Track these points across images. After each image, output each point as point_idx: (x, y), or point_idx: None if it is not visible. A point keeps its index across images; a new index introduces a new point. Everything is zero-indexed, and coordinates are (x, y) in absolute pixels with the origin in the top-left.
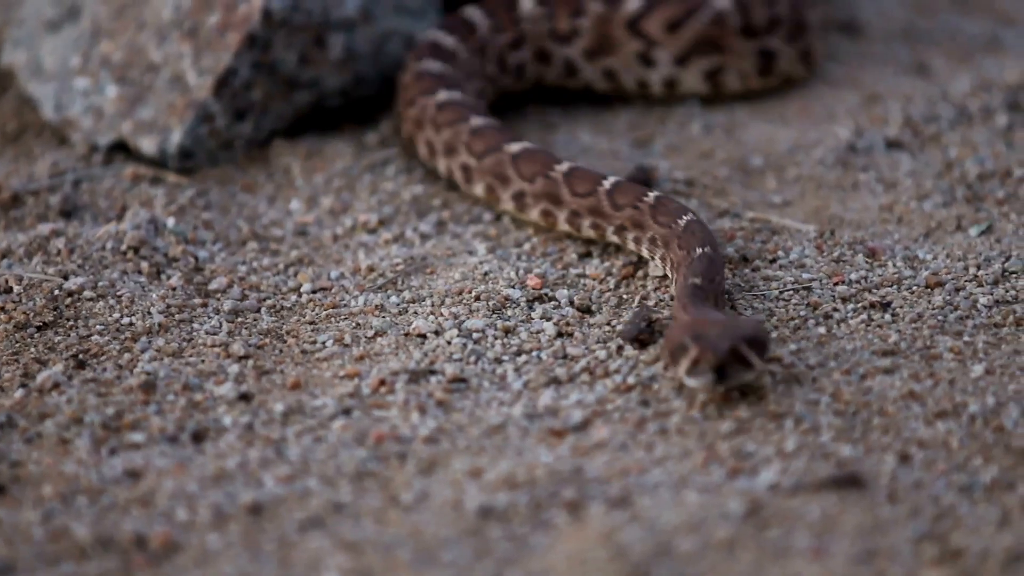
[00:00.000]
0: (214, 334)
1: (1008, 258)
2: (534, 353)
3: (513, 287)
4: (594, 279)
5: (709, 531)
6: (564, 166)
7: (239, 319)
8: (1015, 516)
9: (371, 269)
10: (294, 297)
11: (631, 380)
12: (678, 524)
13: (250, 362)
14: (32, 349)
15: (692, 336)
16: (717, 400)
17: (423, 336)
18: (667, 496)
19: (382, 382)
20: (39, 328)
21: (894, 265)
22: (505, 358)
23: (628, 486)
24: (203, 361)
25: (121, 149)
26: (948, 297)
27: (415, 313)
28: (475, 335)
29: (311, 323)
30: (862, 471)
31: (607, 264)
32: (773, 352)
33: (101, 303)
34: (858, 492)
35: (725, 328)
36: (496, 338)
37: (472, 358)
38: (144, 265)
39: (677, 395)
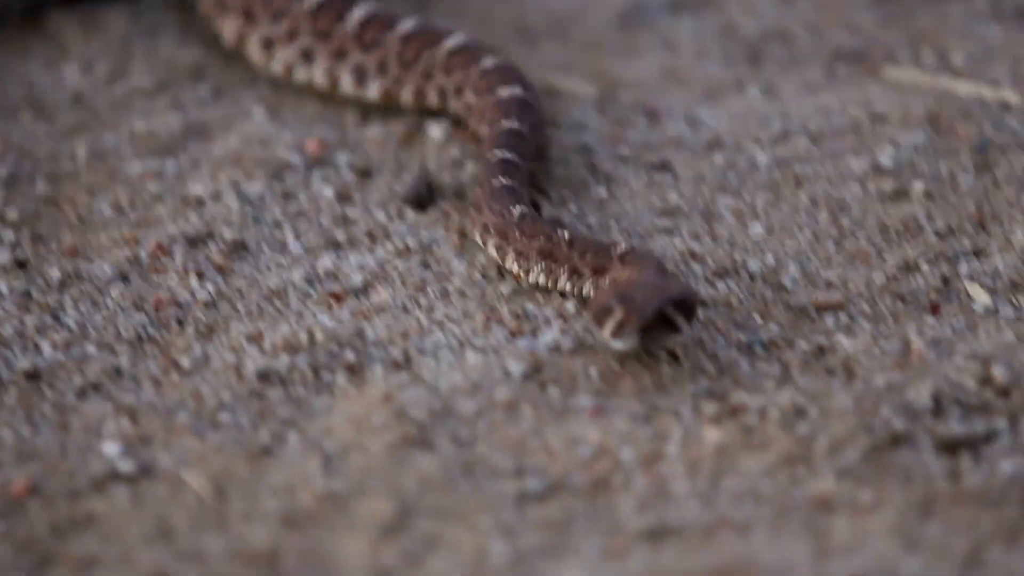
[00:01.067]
0: None
1: (788, 118)
2: (314, 217)
3: (292, 151)
4: (374, 143)
5: (490, 392)
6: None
7: (14, 187)
8: (794, 373)
9: (148, 135)
10: (70, 164)
11: (411, 243)
12: (459, 385)
13: (26, 229)
14: None
15: (618, 297)
16: (495, 266)
17: (201, 201)
18: (448, 358)
19: (160, 247)
20: None
21: (675, 126)
22: (284, 222)
23: (409, 348)
24: None
25: None
26: (728, 157)
27: (193, 179)
28: (254, 200)
29: (88, 189)
30: None
31: (387, 128)
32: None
33: None
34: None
35: (653, 290)
36: (275, 202)
37: (251, 222)
38: None
39: (458, 257)
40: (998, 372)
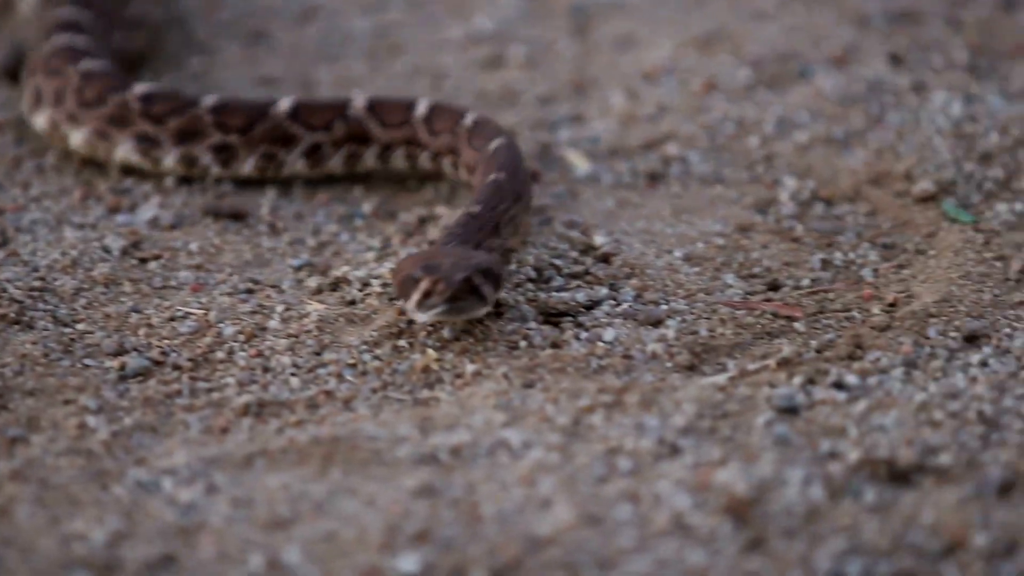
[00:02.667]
0: None
1: None
2: None
3: None
4: None
5: (89, 269)
6: None
7: None
8: (395, 245)
9: None
10: None
11: (4, 117)
12: (57, 262)
13: None
14: None
15: (423, 267)
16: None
17: None
18: (45, 234)
19: None
20: None
21: None
22: None
23: (6, 226)
24: None
25: None
26: (326, 25)
27: None
28: None
29: None
30: (243, 205)
31: None
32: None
33: None
34: (240, 224)
35: (458, 259)
36: None
37: None
38: None
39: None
40: (599, 240)
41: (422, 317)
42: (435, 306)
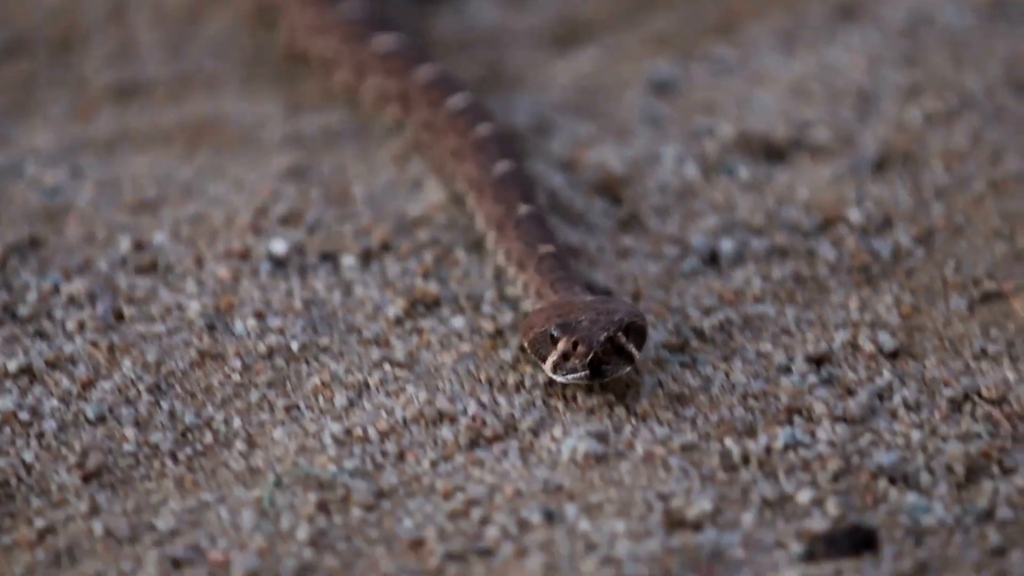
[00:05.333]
0: None
1: None
2: None
3: None
4: None
5: None
6: None
7: None
8: None
9: None
10: None
11: None
12: None
13: None
14: None
15: (560, 325)
16: None
17: None
18: None
19: None
20: None
21: None
22: None
23: None
24: None
25: None
26: None
27: None
28: None
29: None
30: None
31: None
32: None
33: None
34: None
35: (598, 313)
36: None
37: None
38: None
39: None
40: None
41: (561, 380)
42: (575, 370)
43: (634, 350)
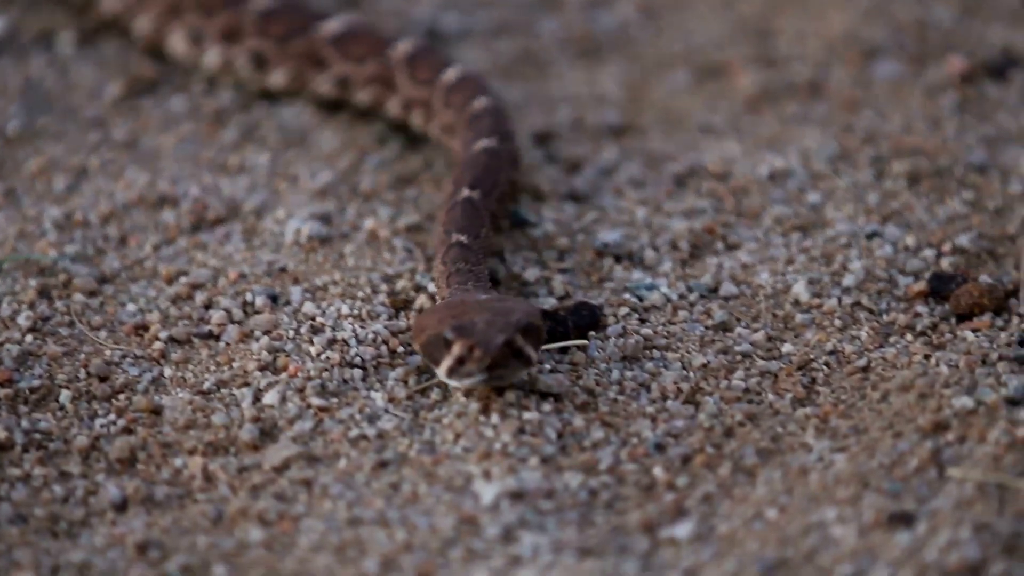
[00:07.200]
0: None
1: None
2: None
3: None
4: None
5: None
6: None
7: None
8: None
9: None
10: None
11: None
12: None
13: None
14: None
15: (455, 327)
16: None
17: None
18: None
19: None
20: None
21: None
22: None
23: None
24: None
25: None
26: None
27: None
28: None
29: None
30: None
31: None
32: None
33: None
34: None
35: (494, 314)
36: None
37: None
38: None
39: None
40: None
41: (455, 384)
42: (471, 375)
43: (531, 352)
